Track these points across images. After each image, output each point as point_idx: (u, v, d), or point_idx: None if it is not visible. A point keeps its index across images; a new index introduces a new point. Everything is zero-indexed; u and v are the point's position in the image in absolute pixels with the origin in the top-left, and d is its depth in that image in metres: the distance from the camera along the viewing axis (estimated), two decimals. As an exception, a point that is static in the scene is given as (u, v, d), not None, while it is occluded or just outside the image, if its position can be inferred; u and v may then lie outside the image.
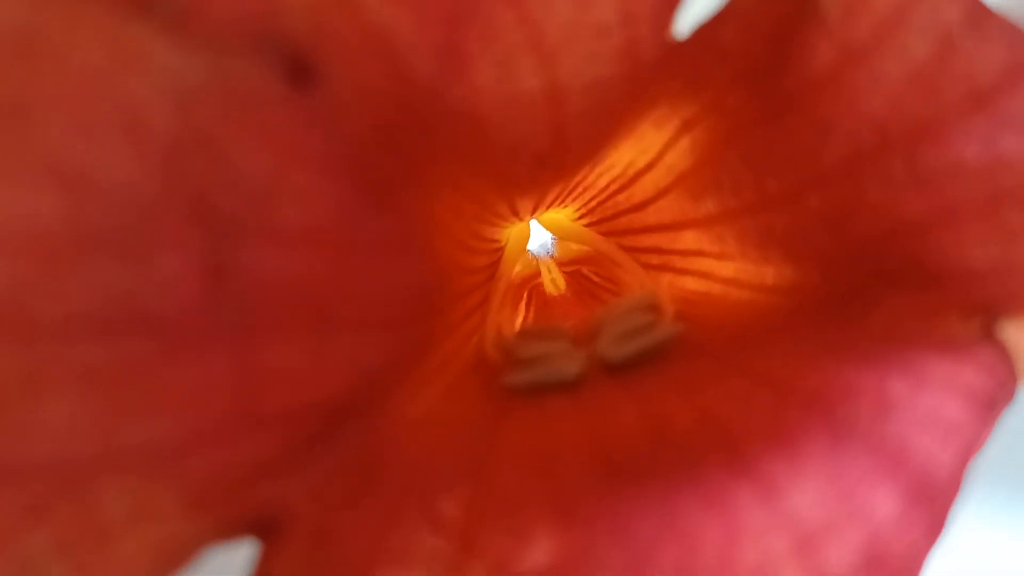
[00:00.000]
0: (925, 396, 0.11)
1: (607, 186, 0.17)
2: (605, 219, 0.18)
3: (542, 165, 0.14)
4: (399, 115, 0.11)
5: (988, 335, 0.12)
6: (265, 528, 0.11)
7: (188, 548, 0.11)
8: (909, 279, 0.12)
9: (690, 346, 0.14)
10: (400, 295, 0.13)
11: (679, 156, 0.14)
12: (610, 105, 0.13)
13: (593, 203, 0.17)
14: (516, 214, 0.17)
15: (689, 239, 0.16)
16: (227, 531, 0.11)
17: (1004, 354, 0.11)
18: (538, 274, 0.19)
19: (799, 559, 0.10)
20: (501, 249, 0.18)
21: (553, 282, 0.19)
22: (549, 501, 0.11)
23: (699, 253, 0.15)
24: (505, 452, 0.13)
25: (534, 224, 0.19)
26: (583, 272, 0.19)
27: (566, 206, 0.18)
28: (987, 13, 0.11)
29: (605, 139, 0.14)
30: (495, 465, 0.12)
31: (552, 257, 0.19)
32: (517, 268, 0.19)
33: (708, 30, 0.12)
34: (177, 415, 0.11)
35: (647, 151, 0.15)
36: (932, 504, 0.10)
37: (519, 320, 0.18)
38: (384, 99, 0.11)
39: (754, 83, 0.12)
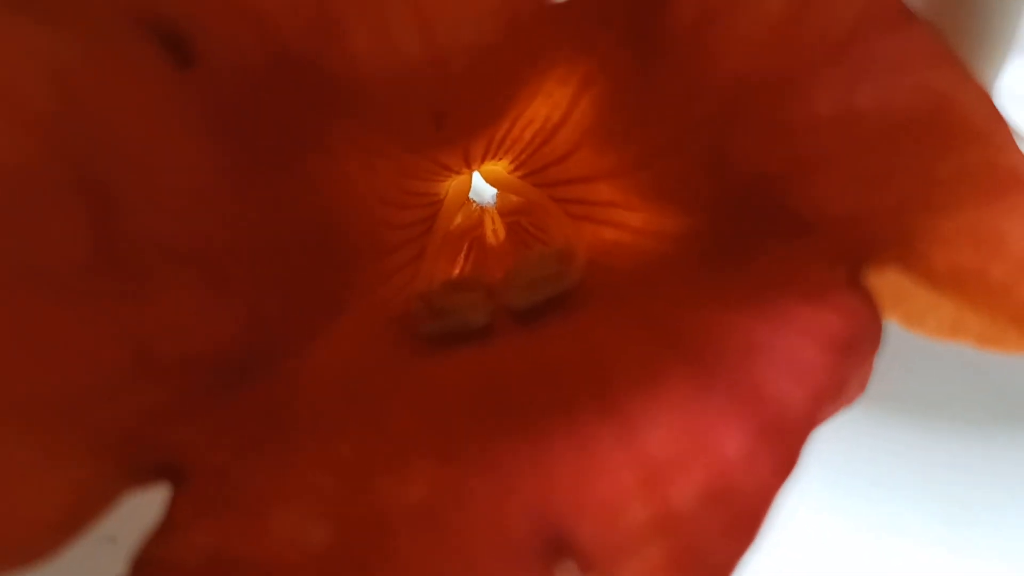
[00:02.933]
0: (784, 340, 0.12)
1: (532, 139, 0.17)
2: (536, 171, 0.18)
3: (441, 123, 0.14)
4: (280, 81, 0.12)
5: (852, 282, 0.12)
6: (173, 473, 0.12)
7: (102, 493, 0.12)
8: (781, 227, 0.12)
9: (595, 294, 0.15)
10: (302, 250, 0.14)
11: (583, 112, 0.15)
12: (495, 64, 0.13)
13: (524, 156, 0.18)
14: (448, 168, 0.18)
15: (604, 191, 0.16)
16: (135, 477, 0.12)
17: (867, 300, 0.12)
18: (480, 224, 0.19)
19: (645, 493, 0.11)
20: (439, 202, 0.19)
21: (494, 232, 0.19)
22: (432, 442, 0.12)
23: (612, 203, 0.16)
24: (404, 394, 0.13)
25: (478, 176, 0.19)
26: (521, 223, 0.19)
27: (501, 159, 0.18)
28: (846, -35, 0.11)
29: (502, 98, 0.14)
30: (392, 407, 0.13)
31: (495, 207, 0.20)
32: (458, 219, 0.19)
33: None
34: (75, 366, 0.11)
35: (557, 107, 0.16)
36: (781, 442, 0.11)
37: (456, 271, 0.19)
38: (261, 68, 0.12)
39: (634, 42, 0.13)
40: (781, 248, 0.13)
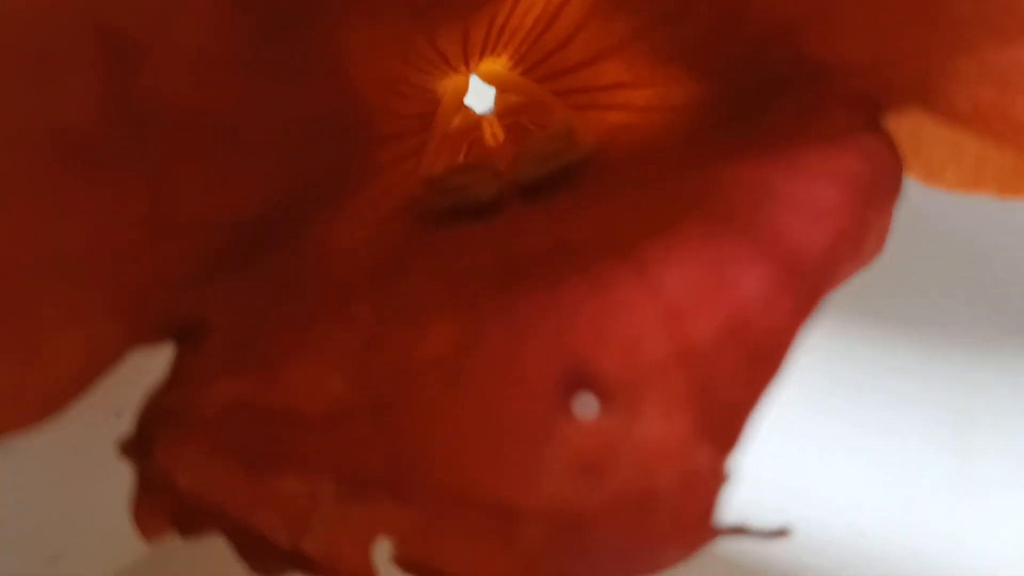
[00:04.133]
0: (800, 183, 0.11)
1: (533, 26, 0.17)
2: (536, 64, 0.18)
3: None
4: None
5: (871, 126, 0.12)
6: (184, 332, 0.12)
7: (114, 348, 0.12)
8: (796, 79, 0.12)
9: (605, 170, 0.15)
10: (314, 124, 0.14)
11: (590, -19, 0.15)
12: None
13: (523, 48, 0.18)
14: (447, 63, 0.17)
15: (609, 71, 0.16)
16: (149, 334, 0.12)
17: (887, 142, 0.12)
18: (478, 127, 0.19)
19: (666, 329, 0.11)
20: (438, 100, 0.18)
21: (493, 135, 0.19)
22: (451, 301, 0.12)
23: (619, 84, 0.16)
24: (420, 263, 0.13)
25: (474, 81, 0.19)
26: (521, 122, 0.19)
27: (499, 55, 0.18)
28: None
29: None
30: (409, 274, 0.13)
31: (492, 113, 0.19)
32: (456, 122, 0.19)
33: None
34: (94, 224, 0.11)
35: (562, -18, 0.15)
36: (800, 282, 0.11)
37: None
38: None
39: None
40: (796, 101, 0.12)
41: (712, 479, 0.10)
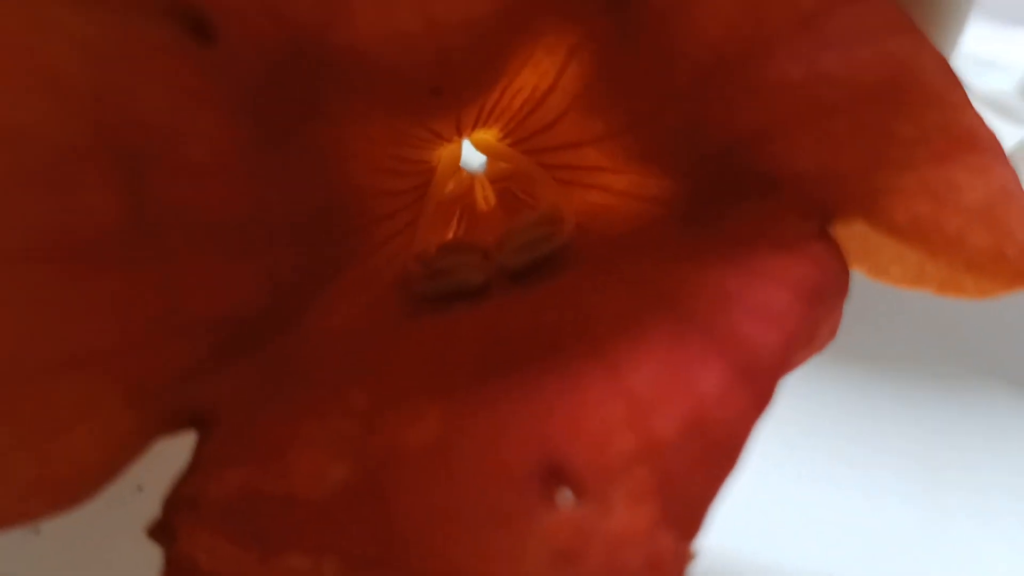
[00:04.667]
0: (756, 288, 0.13)
1: (521, 107, 0.18)
2: (524, 138, 0.19)
3: (438, 95, 0.15)
4: (290, 59, 0.13)
5: (821, 234, 0.13)
6: (200, 422, 0.13)
7: (134, 439, 0.13)
8: (755, 187, 0.13)
9: (584, 254, 0.16)
10: (312, 217, 0.15)
11: (571, 80, 0.16)
12: (489, 37, 0.14)
13: (512, 124, 0.19)
14: (440, 136, 0.19)
15: (591, 156, 0.17)
16: (167, 425, 0.13)
17: (835, 249, 0.13)
18: (471, 191, 0.20)
19: (632, 425, 0.12)
20: (432, 169, 0.20)
21: (485, 199, 0.20)
22: (439, 388, 0.13)
23: (599, 168, 0.17)
24: (410, 348, 0.14)
25: (467, 145, 0.20)
26: (511, 189, 0.20)
27: (490, 127, 0.19)
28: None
29: (495, 68, 0.15)
30: (400, 360, 0.14)
31: (484, 175, 0.21)
32: (450, 186, 0.20)
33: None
34: (110, 323, 0.12)
35: (546, 76, 0.17)
36: (756, 381, 0.12)
37: (449, 236, 0.20)
38: (274, 47, 0.13)
39: (616, 13, 0.14)
40: (754, 206, 0.14)
41: (677, 562, 0.12)
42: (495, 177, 0.20)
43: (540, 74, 0.17)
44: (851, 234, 0.13)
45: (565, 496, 0.12)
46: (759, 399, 0.12)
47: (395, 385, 0.14)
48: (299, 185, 0.14)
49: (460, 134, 0.19)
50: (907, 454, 0.24)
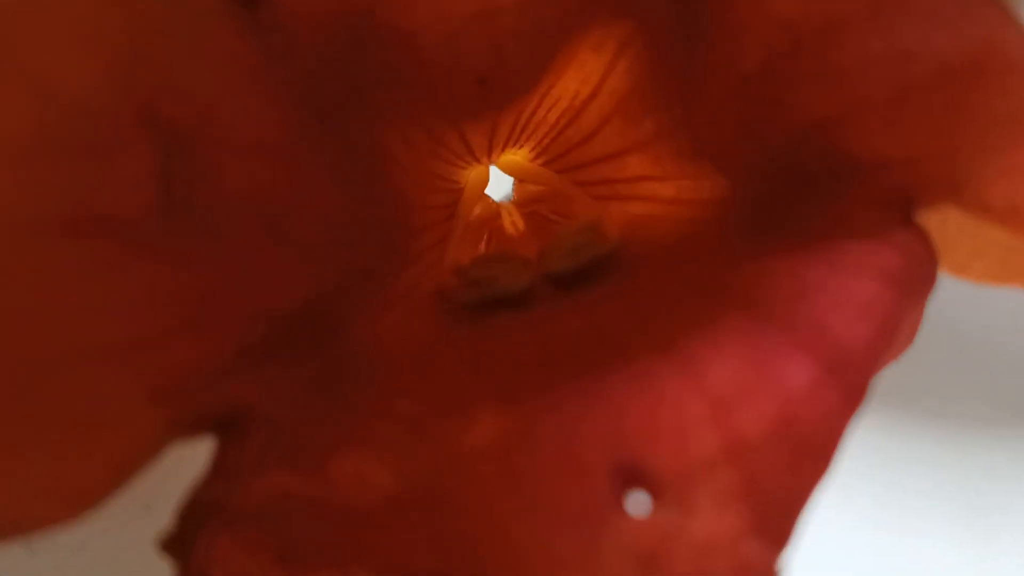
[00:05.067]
0: (840, 277, 0.12)
1: (556, 121, 0.17)
2: (558, 156, 0.18)
3: (484, 86, 0.14)
4: (341, 39, 0.12)
5: (905, 221, 0.12)
6: (225, 425, 0.12)
7: (155, 440, 0.12)
8: (828, 175, 0.13)
9: (633, 261, 0.15)
10: (353, 218, 0.14)
11: (618, 79, 0.15)
12: (543, 24, 0.13)
13: (546, 141, 0.18)
14: (472, 153, 0.18)
15: (633, 165, 0.16)
16: (190, 427, 0.12)
17: (922, 237, 0.12)
18: (498, 216, 0.20)
19: (715, 423, 0.11)
20: (460, 191, 0.19)
21: (513, 224, 0.20)
22: (493, 390, 0.12)
23: (643, 178, 0.16)
24: (457, 355, 0.13)
25: (493, 171, 0.19)
26: (541, 212, 0.19)
27: (521, 146, 0.19)
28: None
29: (544, 60, 0.14)
30: (447, 366, 0.13)
31: (511, 201, 0.20)
32: (477, 210, 0.19)
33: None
34: (141, 312, 0.11)
35: (589, 78, 0.16)
36: (847, 375, 0.11)
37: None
38: (326, 22, 0.12)
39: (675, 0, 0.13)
40: (827, 195, 0.13)
41: (765, 574, 0.10)
42: (523, 200, 0.20)
43: (583, 78, 0.16)
44: (930, 224, 0.12)
45: (643, 498, 0.10)
46: (851, 396, 0.11)
47: (444, 390, 0.13)
48: (343, 182, 0.13)
49: (490, 152, 0.18)
50: (954, 498, 0.23)
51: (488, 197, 0.20)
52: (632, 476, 0.10)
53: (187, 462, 0.12)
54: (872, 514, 0.22)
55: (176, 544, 0.11)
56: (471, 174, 0.19)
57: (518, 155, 0.19)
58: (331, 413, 0.12)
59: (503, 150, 0.18)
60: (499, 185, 0.20)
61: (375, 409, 0.12)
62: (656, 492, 0.10)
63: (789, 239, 0.13)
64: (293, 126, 0.12)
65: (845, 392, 0.11)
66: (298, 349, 0.13)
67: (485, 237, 0.19)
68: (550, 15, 0.13)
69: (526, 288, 0.15)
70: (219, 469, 0.11)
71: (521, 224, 0.20)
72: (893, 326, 0.12)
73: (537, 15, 0.13)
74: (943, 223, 0.13)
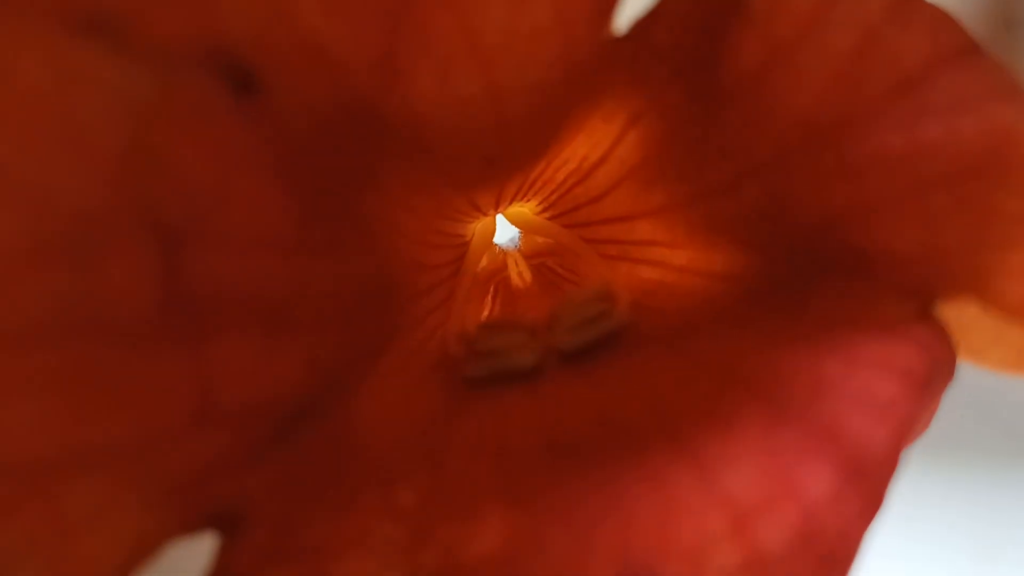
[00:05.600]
0: (859, 375, 0.11)
1: (565, 180, 0.17)
2: (566, 212, 0.18)
3: (491, 164, 0.14)
4: (342, 121, 0.12)
5: (924, 316, 0.12)
6: (225, 522, 0.12)
7: (151, 543, 0.11)
8: (845, 265, 0.12)
9: (643, 333, 0.15)
10: (355, 293, 0.14)
11: (628, 149, 0.15)
12: (552, 104, 0.13)
13: (554, 197, 0.18)
14: (479, 209, 0.17)
15: (644, 229, 0.16)
16: (188, 526, 0.12)
17: (941, 332, 0.12)
18: (505, 267, 0.19)
19: (734, 537, 0.10)
20: (466, 244, 0.18)
21: (520, 275, 0.19)
22: (499, 487, 0.12)
23: (653, 242, 0.16)
24: (461, 440, 0.13)
25: (500, 219, 0.19)
26: (548, 264, 0.19)
27: (529, 200, 0.18)
28: (911, 1, 0.12)
29: (552, 136, 0.14)
30: (451, 453, 0.13)
31: (518, 250, 0.19)
32: (483, 262, 0.19)
33: (642, 28, 0.12)
34: (137, 415, 0.11)
35: (599, 145, 0.15)
36: (867, 481, 0.11)
37: (485, 313, 0.18)
38: (326, 107, 0.12)
39: (691, 79, 0.13)
40: (844, 285, 0.13)
41: None
42: (531, 253, 0.19)
43: (592, 144, 0.16)
44: (948, 312, 0.12)
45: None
46: (871, 502, 0.11)
47: (447, 481, 0.12)
48: (343, 260, 0.13)
49: (497, 207, 0.18)
50: (961, 530, 0.23)
51: (495, 246, 0.19)
52: (647, 590, 0.10)
53: (194, 553, 0.12)
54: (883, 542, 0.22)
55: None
56: (477, 226, 0.19)
57: (526, 207, 0.19)
58: (332, 506, 0.12)
59: (510, 203, 0.18)
60: (505, 229, 0.20)
61: (377, 505, 0.12)
62: (672, 609, 0.10)
63: (805, 324, 0.13)
64: (294, 209, 0.12)
65: (865, 498, 0.11)
66: (296, 435, 0.12)
67: (492, 291, 0.19)
68: (557, 95, 0.13)
69: (534, 364, 0.14)
70: (218, 570, 0.11)
71: (528, 277, 0.19)
72: (911, 426, 0.11)
73: (545, 97, 0.13)
74: (961, 309, 0.13)
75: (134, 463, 0.11)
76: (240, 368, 0.12)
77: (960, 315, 0.13)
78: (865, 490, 0.11)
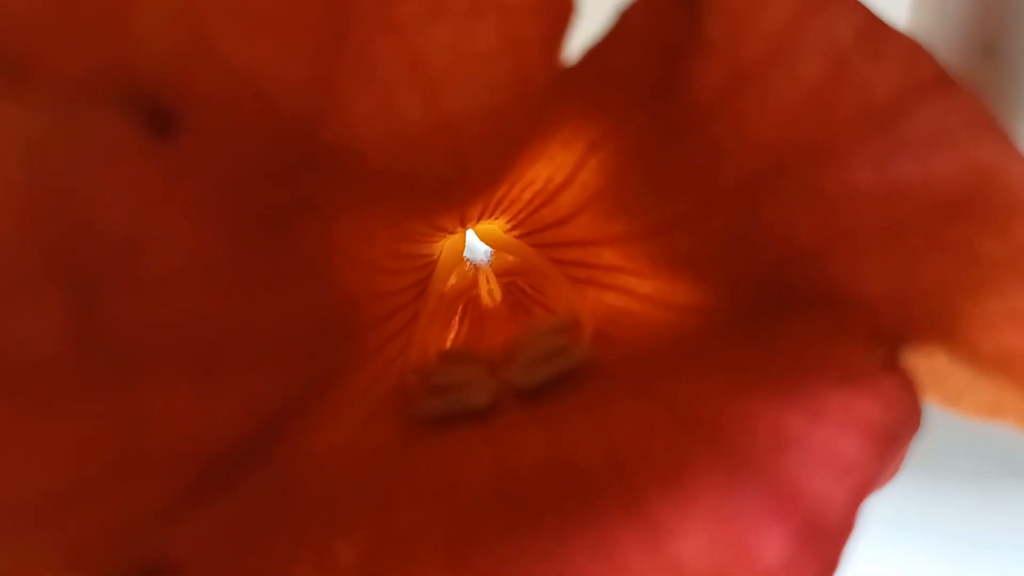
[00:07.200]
0: (821, 431, 0.11)
1: (531, 200, 0.16)
2: (534, 231, 0.17)
3: (448, 188, 0.13)
4: (277, 151, 0.11)
5: (890, 364, 0.11)
6: (153, 577, 0.11)
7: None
8: (811, 304, 0.12)
9: (605, 367, 0.14)
10: (304, 328, 0.13)
11: (590, 175, 0.14)
12: (506, 129, 0.12)
13: (521, 216, 0.17)
14: (443, 230, 0.17)
15: (609, 255, 0.15)
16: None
17: (907, 384, 0.11)
18: (475, 284, 0.19)
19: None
20: (433, 263, 0.18)
21: (490, 293, 0.19)
22: (443, 544, 0.11)
23: (619, 269, 0.15)
24: (408, 487, 0.12)
25: (471, 234, 0.18)
26: (518, 284, 0.18)
27: (497, 218, 0.18)
28: (883, 29, 0.11)
29: (510, 160, 0.13)
30: (396, 502, 0.12)
31: (490, 266, 0.19)
32: (452, 279, 0.18)
33: (598, 55, 0.11)
34: (55, 469, 0.10)
35: (561, 169, 0.15)
36: (823, 546, 0.10)
37: (451, 337, 0.18)
38: (257, 138, 0.11)
39: (650, 106, 0.12)
40: (810, 326, 0.12)
41: None
42: (501, 271, 0.19)
43: (555, 167, 0.15)
44: (920, 357, 0.12)
45: None
46: (826, 567, 0.10)
47: (390, 535, 0.12)
48: (285, 293, 0.12)
49: (464, 225, 0.17)
50: (942, 550, 0.23)
51: (466, 262, 0.19)
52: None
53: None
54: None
55: None
56: (446, 243, 0.18)
57: (494, 225, 0.18)
58: (268, 560, 0.11)
59: (479, 220, 0.17)
60: (477, 244, 0.19)
61: (313, 557, 0.11)
62: None
63: (767, 366, 0.12)
64: (227, 246, 0.11)
65: (820, 563, 0.10)
66: (230, 483, 0.12)
67: (460, 311, 0.18)
68: (512, 120, 0.12)
69: (489, 402, 0.14)
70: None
71: (499, 295, 0.19)
72: (872, 485, 0.11)
73: (497, 119, 0.12)
74: (932, 353, 0.12)
75: (52, 521, 0.10)
76: (166, 415, 0.11)
77: (932, 359, 0.12)
78: (821, 555, 0.10)
